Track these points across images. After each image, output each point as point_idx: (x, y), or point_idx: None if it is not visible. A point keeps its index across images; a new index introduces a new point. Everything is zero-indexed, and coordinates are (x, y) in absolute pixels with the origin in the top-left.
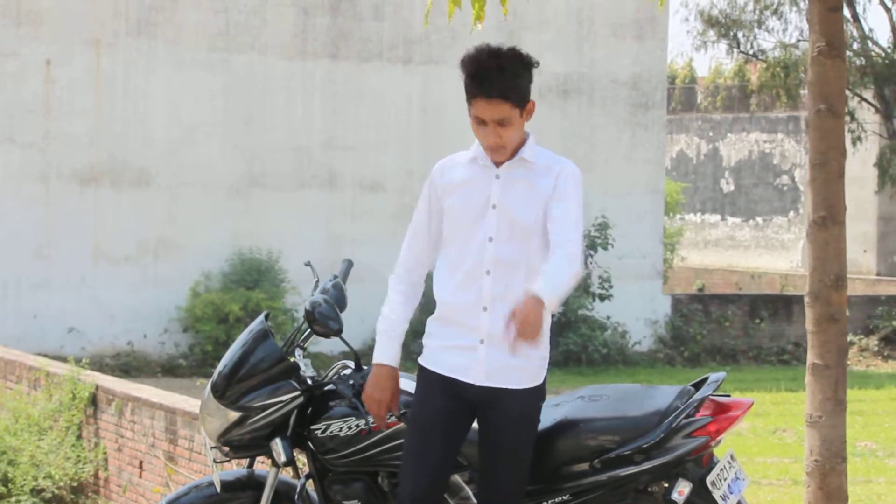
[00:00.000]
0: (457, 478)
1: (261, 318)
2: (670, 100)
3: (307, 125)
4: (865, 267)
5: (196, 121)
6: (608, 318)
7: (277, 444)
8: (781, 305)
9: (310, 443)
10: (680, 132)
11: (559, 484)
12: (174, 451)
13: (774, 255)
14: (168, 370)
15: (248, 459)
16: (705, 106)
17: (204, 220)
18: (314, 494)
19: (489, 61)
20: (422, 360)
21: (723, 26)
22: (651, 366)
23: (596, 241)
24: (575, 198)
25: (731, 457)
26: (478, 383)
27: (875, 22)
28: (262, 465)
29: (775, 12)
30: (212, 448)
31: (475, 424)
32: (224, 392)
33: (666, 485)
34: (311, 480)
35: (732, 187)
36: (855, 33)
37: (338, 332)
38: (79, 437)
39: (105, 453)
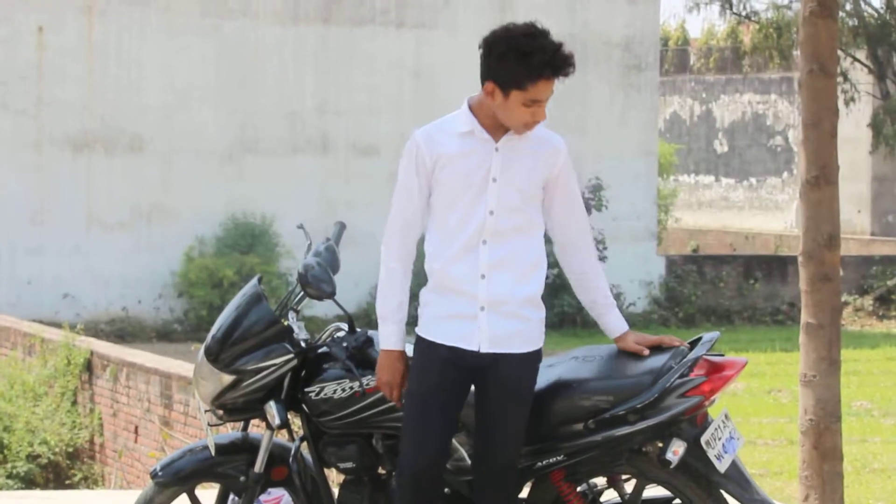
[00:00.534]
0: (453, 440)
1: (254, 281)
2: (663, 62)
3: (300, 90)
4: (860, 227)
5: (189, 86)
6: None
7: (271, 407)
8: (775, 266)
9: (304, 405)
10: (673, 94)
11: (553, 444)
12: (169, 416)
13: (768, 215)
14: (163, 335)
15: (242, 423)
16: (698, 68)
17: (197, 185)
18: (308, 457)
19: (548, 40)
20: (420, 331)
21: None
22: (645, 327)
23: (590, 203)
24: (578, 190)
25: (726, 416)
26: (482, 350)
27: None
28: (256, 429)
29: None
30: (206, 412)
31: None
32: (217, 355)
33: (660, 445)
34: (305, 443)
35: (726, 148)
36: None
37: (331, 295)
38: (74, 403)
39: (100, 419)
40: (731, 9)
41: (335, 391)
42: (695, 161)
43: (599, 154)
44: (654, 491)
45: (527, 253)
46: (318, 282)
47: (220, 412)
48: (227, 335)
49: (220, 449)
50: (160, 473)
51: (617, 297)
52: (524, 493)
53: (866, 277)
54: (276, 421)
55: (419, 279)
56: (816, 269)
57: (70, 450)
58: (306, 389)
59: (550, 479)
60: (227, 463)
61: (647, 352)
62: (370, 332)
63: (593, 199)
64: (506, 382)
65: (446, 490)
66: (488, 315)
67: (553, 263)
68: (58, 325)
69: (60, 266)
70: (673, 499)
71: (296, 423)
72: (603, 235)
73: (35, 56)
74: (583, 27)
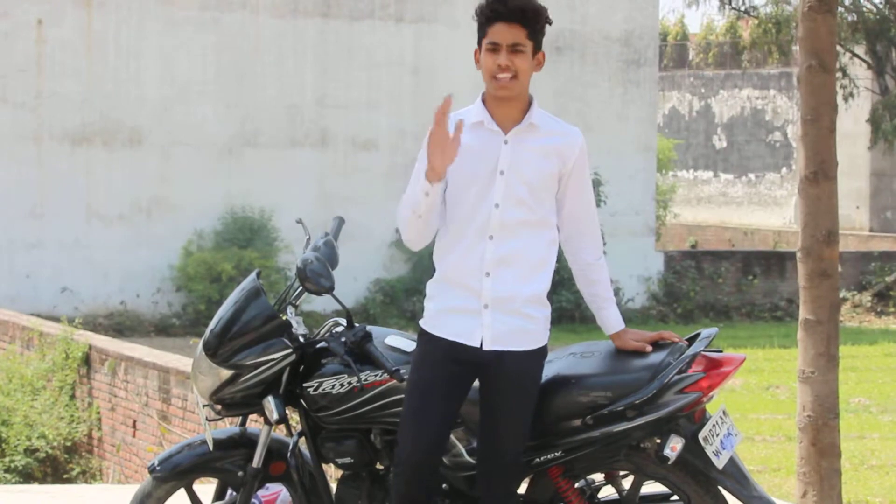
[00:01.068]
0: (451, 435)
1: (252, 276)
2: (662, 57)
3: (299, 84)
4: (858, 223)
5: (188, 80)
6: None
7: (270, 402)
8: (774, 262)
9: (302, 400)
10: (672, 89)
11: (551, 440)
12: (167, 411)
13: (767, 211)
14: (161, 329)
15: (240, 418)
16: (697, 63)
17: (196, 179)
18: (307, 452)
19: None
20: (423, 324)
21: None
22: (644, 323)
23: None
24: (590, 183)
25: (724, 413)
26: (484, 347)
27: None
28: (254, 424)
29: None
30: (204, 406)
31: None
32: (216, 350)
33: (658, 441)
34: (303, 438)
35: (725, 144)
36: None
37: (329, 290)
38: (72, 397)
39: (98, 413)
40: (729, 4)
41: (333, 386)
42: (693, 156)
43: (598, 149)
44: (651, 487)
45: (534, 250)
46: (316, 276)
47: (219, 407)
48: (225, 330)
49: (219, 444)
50: (158, 468)
51: (615, 292)
52: (522, 489)
53: (864, 273)
54: (275, 416)
55: (428, 273)
56: (815, 265)
57: (68, 444)
58: (305, 384)
59: (548, 475)
60: (226, 458)
61: (649, 348)
62: (368, 328)
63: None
64: (510, 379)
65: (444, 486)
66: (492, 312)
67: None
68: (56, 319)
69: (59, 260)
70: (671, 495)
71: (294, 418)
72: (602, 231)
73: (34, 49)
74: (582, 22)
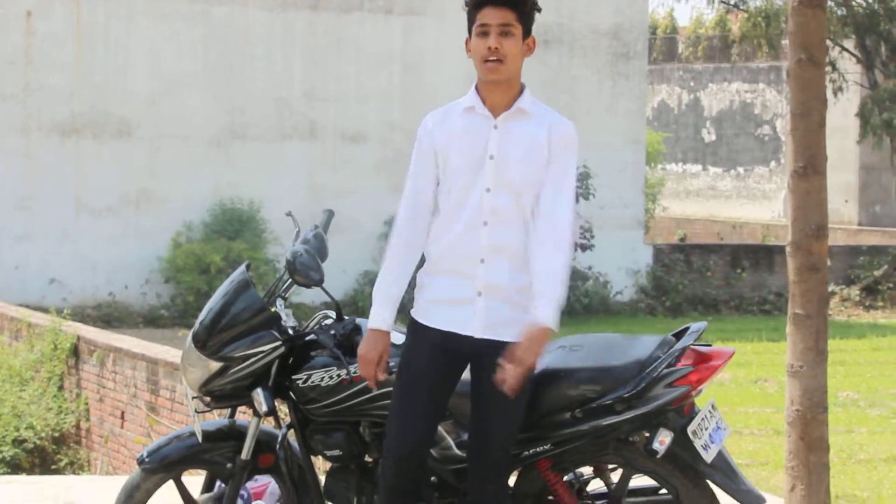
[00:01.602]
0: (440, 428)
1: (242, 268)
2: (651, 50)
3: (288, 76)
4: (847, 217)
5: (177, 72)
6: (590, 268)
7: (259, 394)
8: (763, 255)
9: (291, 393)
10: (661, 82)
11: (540, 433)
12: (156, 402)
13: (756, 204)
14: (149, 321)
15: (229, 409)
16: (686, 56)
17: (185, 171)
18: (296, 444)
19: None
20: (414, 314)
21: None
22: (632, 315)
23: (578, 191)
24: (573, 172)
25: (713, 406)
26: (476, 335)
27: None
28: (243, 416)
29: None
30: (193, 398)
31: (464, 376)
32: (205, 342)
33: (647, 434)
34: (292, 430)
35: (714, 137)
36: None
37: (319, 283)
38: (60, 388)
39: (87, 404)
40: None
41: (322, 379)
42: (682, 150)
43: (587, 142)
44: (640, 481)
45: (526, 238)
46: (306, 269)
47: (208, 399)
48: (214, 322)
49: (207, 436)
50: (147, 459)
51: (604, 285)
52: (511, 482)
53: (853, 267)
54: (264, 408)
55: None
56: (804, 259)
57: (56, 435)
58: (294, 377)
59: (537, 468)
60: (214, 450)
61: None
62: (358, 320)
63: (581, 188)
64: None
65: (433, 479)
66: (485, 300)
67: None
68: (45, 310)
69: (47, 251)
70: (659, 488)
71: (283, 410)
72: (590, 224)
73: (23, 41)
74: (571, 15)
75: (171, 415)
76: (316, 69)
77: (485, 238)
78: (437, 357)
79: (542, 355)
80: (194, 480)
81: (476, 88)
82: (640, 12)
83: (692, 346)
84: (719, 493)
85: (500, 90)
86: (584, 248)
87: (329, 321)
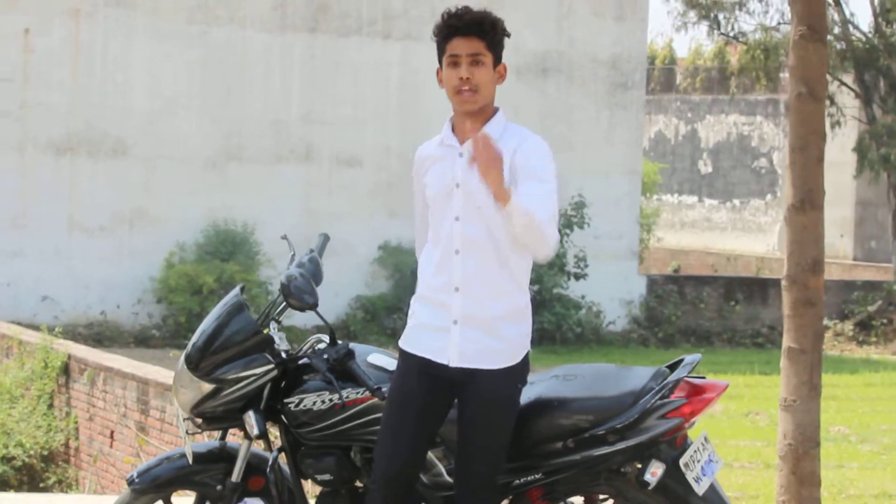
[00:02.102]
0: (430, 455)
1: (236, 290)
2: (649, 80)
3: (285, 99)
4: (842, 251)
5: (174, 93)
6: (583, 297)
7: (250, 417)
8: (757, 288)
9: (283, 416)
10: (658, 113)
11: (532, 462)
12: (146, 422)
13: (751, 237)
14: (141, 341)
15: (220, 432)
16: (684, 87)
17: (180, 191)
18: (286, 468)
19: (465, 9)
20: (401, 342)
21: (703, 7)
22: (625, 346)
23: (572, 220)
24: (544, 173)
25: (705, 439)
26: (452, 364)
27: (856, 6)
28: (234, 438)
29: None
30: (184, 420)
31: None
32: (198, 364)
33: (639, 465)
34: (283, 454)
35: (710, 169)
36: (836, 17)
37: (313, 306)
38: (50, 406)
39: (76, 423)
40: (718, 29)
41: (315, 403)
42: (678, 181)
43: (584, 172)
44: None
45: (505, 265)
46: (300, 293)
47: (199, 420)
48: (208, 343)
49: (198, 457)
50: (137, 480)
51: (597, 315)
52: None
53: (847, 302)
54: (255, 431)
55: (409, 290)
56: (800, 293)
57: (45, 453)
58: (286, 400)
59: (528, 497)
60: (205, 471)
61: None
62: (351, 345)
63: (576, 217)
64: (482, 398)
65: None
66: (461, 329)
67: (533, 280)
68: (36, 328)
69: (40, 269)
70: None
71: (274, 433)
72: (584, 253)
73: (21, 59)
74: (569, 44)
75: (160, 435)
76: (313, 92)
77: (458, 267)
78: (422, 383)
79: (490, 158)
80: (184, 501)
81: (450, 120)
82: (639, 42)
83: (686, 378)
84: None
85: (472, 119)
86: (577, 276)
87: (322, 345)
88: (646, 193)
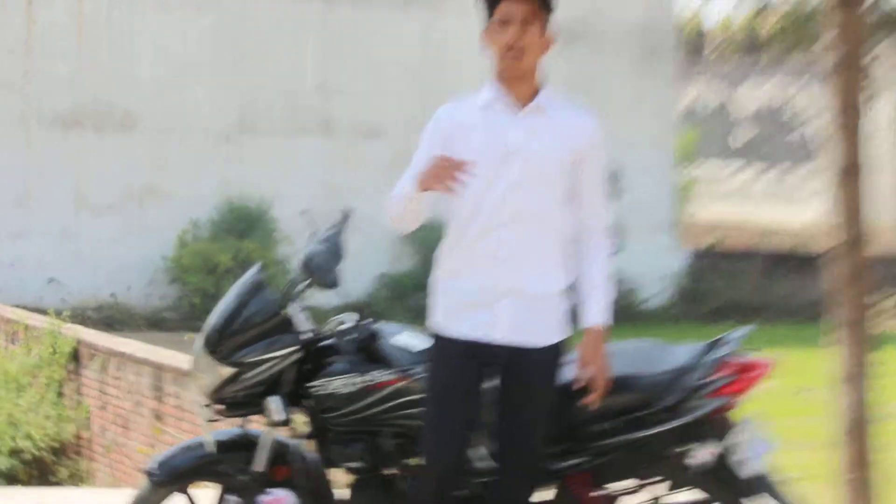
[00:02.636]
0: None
1: (254, 269)
2: (681, 48)
3: (301, 68)
4: (891, 221)
5: (184, 62)
6: (618, 272)
7: (273, 403)
8: (801, 261)
9: (307, 401)
10: (691, 81)
11: (573, 446)
12: (161, 410)
13: (793, 208)
14: (153, 323)
15: (241, 418)
16: (718, 54)
17: (192, 166)
18: (311, 455)
19: None
20: (436, 327)
21: None
22: (663, 323)
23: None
24: (604, 172)
25: (752, 419)
26: (500, 340)
27: None
28: (255, 425)
29: None
30: (204, 406)
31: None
32: (216, 347)
33: (684, 448)
34: (308, 440)
35: (747, 138)
36: None
37: (335, 286)
38: (59, 395)
39: (88, 412)
40: None
41: (341, 386)
42: (714, 151)
43: (614, 142)
44: (676, 496)
45: (550, 240)
46: (322, 271)
47: (219, 407)
48: (226, 325)
49: (219, 446)
50: (156, 471)
51: (632, 291)
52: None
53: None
54: (278, 417)
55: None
56: (846, 266)
57: (55, 445)
58: (310, 384)
59: (575, 482)
60: (226, 461)
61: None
62: (379, 324)
63: (611, 188)
64: (535, 377)
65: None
66: (507, 303)
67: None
68: (42, 311)
69: (46, 249)
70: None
71: (298, 419)
72: (622, 226)
73: (24, 29)
74: (598, 11)
75: (177, 423)
76: (331, 61)
77: (505, 239)
78: (465, 369)
79: (604, 355)
80: (202, 493)
81: (495, 81)
82: (670, 8)
83: (731, 356)
84: None
85: (519, 84)
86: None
87: (348, 325)
88: (681, 164)
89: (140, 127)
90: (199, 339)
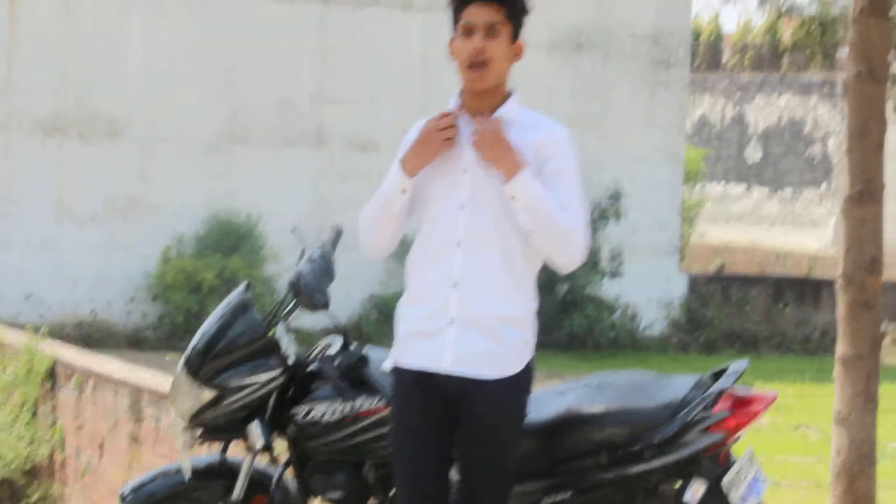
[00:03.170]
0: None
1: (241, 288)
2: (694, 57)
3: (294, 76)
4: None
5: (172, 68)
6: (617, 297)
7: (255, 428)
8: (809, 289)
9: (290, 427)
10: (703, 93)
11: (562, 480)
12: (139, 433)
13: (803, 232)
14: (134, 342)
15: (221, 444)
16: (732, 65)
17: (178, 177)
18: (292, 484)
19: None
20: (390, 359)
21: None
22: (663, 352)
23: (607, 211)
24: (575, 173)
25: (751, 455)
26: (449, 370)
27: None
28: (236, 451)
29: None
30: (183, 430)
31: None
32: (198, 369)
33: (679, 484)
34: (289, 468)
35: (759, 156)
36: None
37: (324, 306)
38: (34, 415)
39: (62, 433)
40: (770, 1)
41: (325, 413)
42: (724, 169)
43: (620, 157)
44: None
45: (510, 262)
46: (311, 291)
47: (199, 431)
48: (209, 347)
49: (196, 473)
50: (130, 497)
51: (632, 318)
52: None
53: None
54: (260, 443)
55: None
56: (856, 294)
57: (27, 466)
58: (293, 410)
59: None
60: (203, 488)
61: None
62: (366, 349)
63: (612, 206)
64: (485, 412)
65: None
66: (457, 329)
67: (563, 278)
68: (20, 327)
69: (25, 262)
70: None
71: (279, 446)
72: (620, 248)
73: (6, 31)
74: (608, 18)
75: (155, 447)
76: (325, 68)
77: (458, 261)
78: (427, 399)
79: (495, 143)
80: None
81: (459, 95)
82: (684, 16)
83: (730, 389)
84: None
85: (483, 98)
86: (612, 275)
87: (334, 349)
88: (688, 182)
89: (125, 135)
90: (180, 361)
